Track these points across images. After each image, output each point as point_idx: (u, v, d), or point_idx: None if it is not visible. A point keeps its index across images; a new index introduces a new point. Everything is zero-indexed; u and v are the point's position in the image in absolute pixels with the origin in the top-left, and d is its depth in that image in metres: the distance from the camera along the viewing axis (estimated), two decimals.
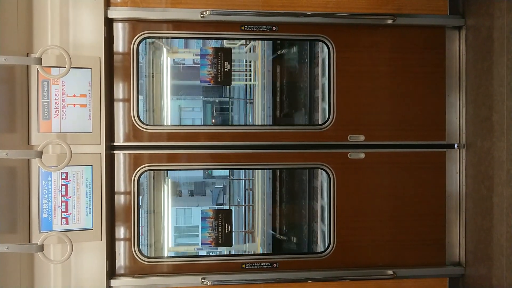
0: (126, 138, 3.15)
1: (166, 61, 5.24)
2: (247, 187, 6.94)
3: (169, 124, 5.11)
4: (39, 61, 2.66)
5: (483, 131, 3.08)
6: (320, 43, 3.29)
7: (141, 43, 3.16)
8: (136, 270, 3.16)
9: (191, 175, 13.15)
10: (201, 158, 3.22)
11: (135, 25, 3.14)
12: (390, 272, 3.20)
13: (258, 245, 5.79)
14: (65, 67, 2.68)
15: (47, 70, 2.85)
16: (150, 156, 3.17)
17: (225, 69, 3.29)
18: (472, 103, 3.23)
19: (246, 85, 7.09)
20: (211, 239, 3.29)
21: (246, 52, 6.16)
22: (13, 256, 2.71)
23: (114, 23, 3.13)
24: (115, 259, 3.14)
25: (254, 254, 5.22)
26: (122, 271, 3.16)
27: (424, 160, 3.34)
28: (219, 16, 3.10)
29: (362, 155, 3.29)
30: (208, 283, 3.06)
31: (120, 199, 3.16)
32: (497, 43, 2.93)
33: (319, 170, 3.46)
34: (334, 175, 3.27)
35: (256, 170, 5.87)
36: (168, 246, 5.05)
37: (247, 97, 7.13)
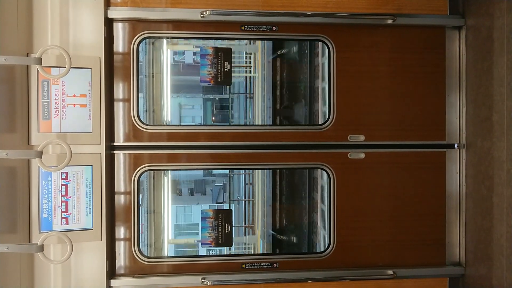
0: (126, 138, 3.15)
1: (167, 54, 5.20)
2: (247, 182, 6.97)
3: (169, 121, 5.11)
4: (39, 61, 2.66)
5: (483, 131, 3.08)
6: (320, 43, 3.29)
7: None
8: (136, 270, 3.16)
9: (191, 173, 13.14)
10: (201, 158, 3.22)
11: (135, 25, 3.14)
12: (390, 272, 3.20)
13: (258, 237, 5.81)
14: (65, 67, 2.68)
15: (47, 70, 2.84)
16: (150, 156, 3.17)
17: (225, 69, 3.29)
18: (472, 103, 3.22)
19: (246, 78, 7.07)
20: (211, 239, 3.29)
21: (246, 44, 6.15)
22: (13, 256, 2.71)
23: (114, 23, 3.13)
24: (115, 259, 3.15)
25: (254, 254, 5.23)
26: (122, 271, 3.16)
27: (424, 160, 3.34)
28: (219, 16, 3.10)
29: (362, 155, 3.29)
30: (208, 283, 3.06)
31: (120, 199, 3.16)
32: (497, 43, 2.93)
33: (319, 170, 3.46)
34: (334, 175, 3.27)
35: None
36: (168, 239, 5.03)
37: (247, 92, 7.13)
